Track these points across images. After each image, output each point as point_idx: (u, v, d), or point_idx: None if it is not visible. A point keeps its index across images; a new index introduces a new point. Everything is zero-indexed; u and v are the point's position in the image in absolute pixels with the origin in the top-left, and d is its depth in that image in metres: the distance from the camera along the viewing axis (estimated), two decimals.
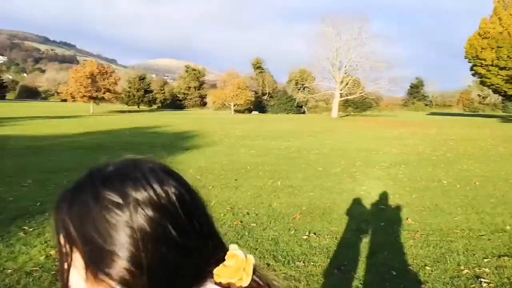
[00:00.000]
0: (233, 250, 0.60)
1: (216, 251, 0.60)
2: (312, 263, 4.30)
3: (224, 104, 71.98)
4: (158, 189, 0.56)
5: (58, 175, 8.62)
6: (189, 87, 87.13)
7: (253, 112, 72.72)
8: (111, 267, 0.52)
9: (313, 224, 5.76)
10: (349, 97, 59.42)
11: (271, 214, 6.21)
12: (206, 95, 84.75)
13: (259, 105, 77.12)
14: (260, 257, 4.40)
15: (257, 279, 0.62)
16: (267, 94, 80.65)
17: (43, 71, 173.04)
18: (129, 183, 0.56)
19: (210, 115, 54.24)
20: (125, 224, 0.53)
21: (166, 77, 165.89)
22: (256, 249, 4.65)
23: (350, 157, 13.18)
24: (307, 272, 4.07)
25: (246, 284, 0.58)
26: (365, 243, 4.95)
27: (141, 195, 0.55)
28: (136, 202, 0.54)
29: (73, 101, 56.60)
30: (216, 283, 0.57)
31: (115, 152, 13.60)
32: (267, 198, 7.28)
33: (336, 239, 5.11)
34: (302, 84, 71.66)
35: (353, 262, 4.35)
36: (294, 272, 4.06)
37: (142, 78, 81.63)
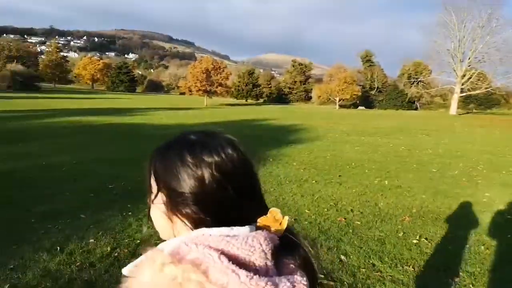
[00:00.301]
0: (274, 209, 0.80)
1: (260, 205, 0.81)
2: (422, 269, 4.03)
3: (329, 99, 70.78)
4: (225, 157, 0.75)
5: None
6: (295, 82, 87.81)
7: (359, 107, 70.01)
8: (181, 206, 0.74)
9: (424, 228, 5.36)
10: (472, 92, 52.90)
11: (377, 214, 5.97)
12: (311, 89, 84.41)
13: (366, 100, 73.89)
14: (365, 257, 4.28)
15: (289, 234, 0.80)
16: (375, 89, 76.76)
17: (166, 67, 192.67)
18: (205, 150, 0.76)
19: (314, 110, 53.93)
20: (197, 178, 0.73)
21: (273, 72, 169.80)
22: (361, 247, 4.54)
23: (471, 160, 11.83)
24: (417, 277, 3.83)
25: (279, 231, 0.77)
26: (486, 255, 4.44)
27: (212, 159, 0.74)
28: (208, 164, 0.74)
29: (190, 94, 61.95)
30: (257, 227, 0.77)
31: None
32: (373, 197, 7.00)
33: (451, 247, 4.68)
34: (416, 78, 66.29)
35: (472, 275, 3.94)
36: (402, 276, 3.85)
37: (251, 73, 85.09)
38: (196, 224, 0.73)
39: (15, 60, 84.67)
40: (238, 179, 0.76)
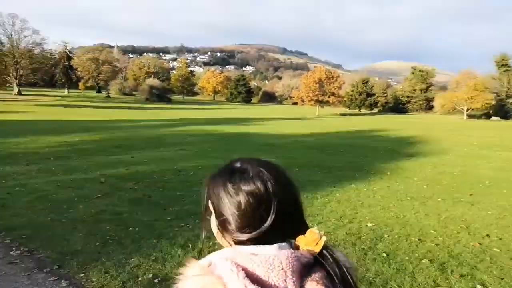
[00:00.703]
0: (313, 229, 0.86)
1: (299, 227, 0.87)
2: None
3: (455, 108, 63.89)
4: (260, 186, 0.84)
5: (289, 170, 9.75)
6: (414, 90, 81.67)
7: (493, 118, 61.49)
8: (226, 228, 0.87)
9: None
10: None
11: None
12: (433, 98, 77.38)
13: (501, 110, 64.54)
14: None
15: (326, 253, 0.84)
16: None
17: (280, 78, 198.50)
18: (243, 179, 0.86)
19: (437, 120, 49.25)
20: (235, 204, 0.84)
21: (390, 80, 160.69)
22: (502, 279, 3.98)
23: None
24: None
25: (317, 250, 0.83)
26: None
27: (248, 188, 0.84)
28: (245, 192, 0.84)
29: (302, 104, 62.68)
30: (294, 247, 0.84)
31: (338, 153, 14.34)
32: None
33: None
34: None
35: None
36: None
37: (365, 82, 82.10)
38: (237, 242, 0.86)
39: (152, 76, 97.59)
40: (275, 205, 0.84)
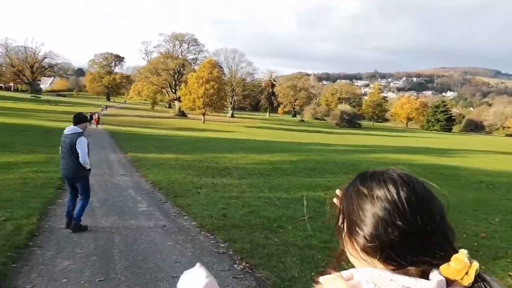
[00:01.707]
0: (460, 254, 0.70)
1: (440, 247, 0.72)
2: None
3: None
4: (392, 191, 0.76)
5: None
6: None
7: None
8: (356, 235, 0.77)
9: None
10: None
11: None
12: None
13: None
14: None
15: (481, 284, 0.70)
16: None
17: (490, 105, 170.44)
18: (374, 182, 0.78)
19: None
20: (367, 210, 0.76)
21: None
22: None
23: None
24: None
25: (466, 284, 0.68)
26: None
27: (379, 192, 0.76)
28: (376, 196, 0.76)
29: None
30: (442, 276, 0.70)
31: None
32: None
33: None
34: None
35: None
36: None
37: None
38: (367, 253, 0.76)
39: (344, 101, 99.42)
40: (409, 216, 0.73)
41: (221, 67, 78.03)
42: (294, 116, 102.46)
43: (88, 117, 33.15)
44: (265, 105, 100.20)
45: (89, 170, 5.35)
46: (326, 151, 24.32)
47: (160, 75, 75.80)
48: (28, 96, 78.23)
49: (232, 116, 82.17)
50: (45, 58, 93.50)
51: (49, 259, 4.06)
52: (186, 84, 62.77)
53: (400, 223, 0.73)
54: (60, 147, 5.37)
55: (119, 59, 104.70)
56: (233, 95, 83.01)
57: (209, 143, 26.33)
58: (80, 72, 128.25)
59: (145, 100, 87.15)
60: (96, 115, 34.03)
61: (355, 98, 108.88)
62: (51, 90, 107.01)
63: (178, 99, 69.51)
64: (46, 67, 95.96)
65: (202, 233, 5.46)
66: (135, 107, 79.28)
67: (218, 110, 64.07)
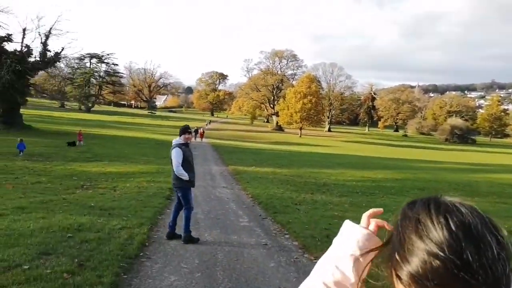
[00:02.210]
0: None
1: None
2: None
3: None
4: (446, 235, 0.58)
5: None
6: None
7: None
8: (398, 268, 0.62)
9: None
10: None
11: None
12: None
13: None
14: None
15: None
16: None
17: None
18: (421, 209, 0.63)
19: None
20: (409, 254, 0.60)
21: None
22: None
23: None
24: None
25: None
26: None
27: (424, 219, 0.61)
28: (420, 222, 0.61)
29: None
30: None
31: None
32: None
33: None
34: None
35: None
36: None
37: None
38: None
39: (454, 115, 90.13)
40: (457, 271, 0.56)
41: (319, 82, 77.62)
42: (396, 130, 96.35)
43: (193, 131, 35.98)
44: (364, 119, 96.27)
45: (189, 181, 5.35)
46: (435, 169, 22.09)
47: (260, 90, 78.48)
48: (145, 112, 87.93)
49: (329, 130, 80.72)
50: (160, 78, 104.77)
51: (157, 272, 4.20)
52: (284, 99, 63.84)
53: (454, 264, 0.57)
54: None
55: (223, 77, 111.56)
56: (330, 109, 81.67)
57: (305, 157, 26.07)
58: (189, 90, 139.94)
59: (244, 115, 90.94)
60: (201, 129, 36.48)
61: (467, 111, 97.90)
62: (164, 107, 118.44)
63: (276, 113, 70.94)
64: (161, 86, 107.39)
65: (306, 255, 5.19)
66: (236, 122, 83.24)
67: (315, 124, 63.60)
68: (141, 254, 4.63)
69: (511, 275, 0.57)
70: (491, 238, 0.58)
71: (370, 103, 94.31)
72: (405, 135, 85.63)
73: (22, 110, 30.39)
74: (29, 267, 3.69)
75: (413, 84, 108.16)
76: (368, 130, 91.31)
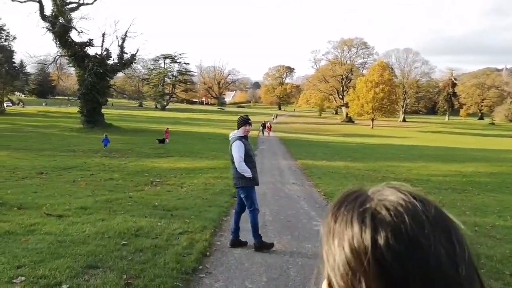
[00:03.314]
0: None
1: None
2: None
3: None
4: (363, 230, 0.48)
5: None
6: None
7: None
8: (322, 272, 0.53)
9: None
10: None
11: None
12: None
13: None
14: None
15: None
16: None
17: None
18: (349, 210, 0.51)
19: None
20: (331, 254, 0.51)
21: None
22: None
23: None
24: None
25: None
26: None
27: (349, 230, 0.49)
28: (344, 235, 0.50)
29: None
30: None
31: None
32: None
33: None
34: None
35: None
36: None
37: None
38: None
39: None
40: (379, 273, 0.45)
41: (392, 69, 72.90)
42: (481, 118, 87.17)
43: (261, 125, 35.71)
44: (444, 107, 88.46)
45: (252, 179, 4.69)
46: None
47: (328, 82, 76.09)
48: (215, 108, 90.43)
49: (404, 120, 75.70)
50: (229, 74, 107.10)
51: None
52: (354, 89, 61.03)
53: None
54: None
55: (290, 70, 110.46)
56: (405, 98, 76.47)
57: (380, 149, 24.31)
58: (257, 85, 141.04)
59: (312, 107, 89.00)
60: (269, 123, 36.06)
61: None
62: (233, 103, 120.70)
63: (346, 105, 68.26)
64: (230, 82, 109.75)
65: None
66: (303, 115, 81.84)
67: (388, 114, 59.78)
68: (200, 267, 4.01)
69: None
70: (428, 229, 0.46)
71: (450, 90, 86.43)
72: (492, 123, 77.02)
73: (104, 110, 32.63)
74: (68, 287, 3.29)
75: (499, 67, 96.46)
76: (449, 119, 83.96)
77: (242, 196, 4.75)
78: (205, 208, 6.28)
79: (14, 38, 65.32)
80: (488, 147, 30.58)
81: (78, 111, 30.80)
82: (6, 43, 61.22)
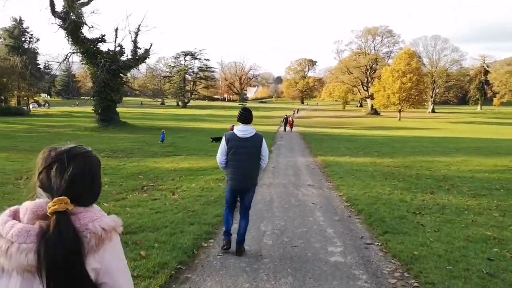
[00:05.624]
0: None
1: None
2: None
3: None
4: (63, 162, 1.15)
5: None
6: None
7: None
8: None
9: None
10: None
11: None
12: None
13: None
14: None
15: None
16: None
17: None
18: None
19: None
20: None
21: None
22: None
23: None
24: None
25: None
26: None
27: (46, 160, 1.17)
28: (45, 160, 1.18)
29: None
30: None
31: None
32: None
33: None
34: None
35: None
36: None
37: None
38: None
39: None
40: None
41: (420, 57, 69.26)
42: None
43: (282, 120, 33.96)
44: (476, 96, 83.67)
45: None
46: None
47: (351, 73, 73.30)
48: (236, 104, 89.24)
49: (433, 111, 71.97)
50: (250, 70, 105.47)
51: None
52: (379, 79, 58.20)
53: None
54: (235, 153, 4.21)
55: (312, 63, 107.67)
56: (434, 87, 72.61)
57: (410, 143, 22.17)
58: (278, 79, 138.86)
59: (336, 100, 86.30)
60: (291, 118, 34.13)
61: None
62: (255, 98, 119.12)
63: (371, 96, 65.44)
64: (251, 77, 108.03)
65: None
66: (326, 109, 79.36)
67: (416, 105, 56.63)
68: None
69: None
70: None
71: (483, 78, 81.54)
72: None
73: (119, 109, 31.77)
74: None
75: None
76: (481, 109, 79.34)
77: (250, 196, 4.40)
78: (182, 228, 4.68)
79: (38, 40, 66.41)
80: None
81: (92, 110, 30.14)
82: (30, 46, 62.55)
